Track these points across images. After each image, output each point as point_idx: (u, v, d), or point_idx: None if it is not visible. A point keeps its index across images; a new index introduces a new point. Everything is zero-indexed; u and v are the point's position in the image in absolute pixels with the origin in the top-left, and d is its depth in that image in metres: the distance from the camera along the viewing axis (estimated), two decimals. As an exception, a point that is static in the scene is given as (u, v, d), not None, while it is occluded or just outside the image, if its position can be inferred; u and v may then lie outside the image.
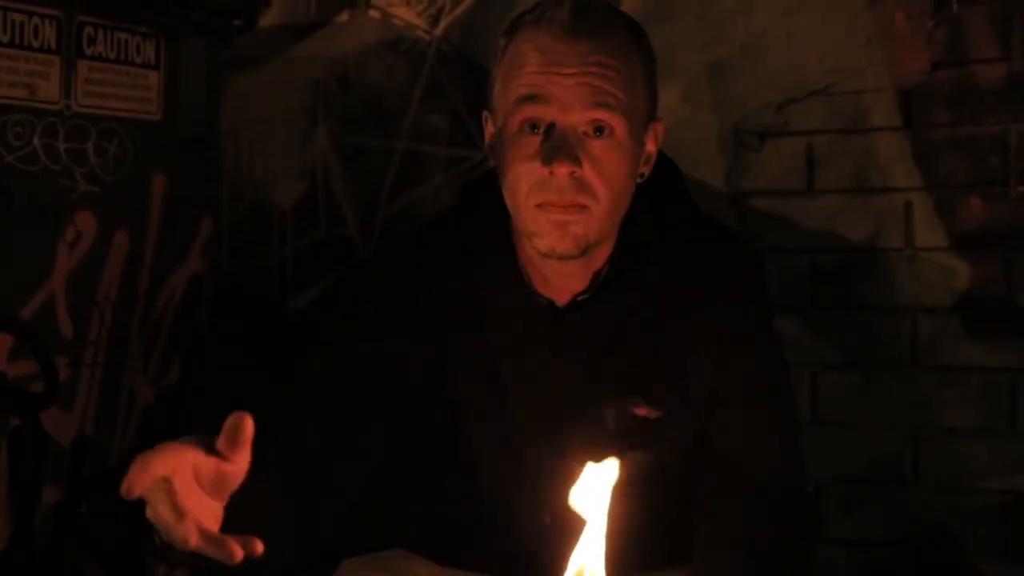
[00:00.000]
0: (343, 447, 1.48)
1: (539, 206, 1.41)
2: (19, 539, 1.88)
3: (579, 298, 1.48)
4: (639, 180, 1.51)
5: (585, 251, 1.44)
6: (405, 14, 2.50)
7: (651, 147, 1.53)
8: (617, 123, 1.43)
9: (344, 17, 2.56)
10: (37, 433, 1.90)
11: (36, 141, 1.89)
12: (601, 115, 1.42)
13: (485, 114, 1.53)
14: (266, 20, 2.49)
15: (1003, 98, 2.06)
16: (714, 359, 1.51)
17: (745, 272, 1.57)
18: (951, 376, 2.11)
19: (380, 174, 2.51)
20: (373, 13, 2.53)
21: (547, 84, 1.42)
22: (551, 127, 1.42)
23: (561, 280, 1.49)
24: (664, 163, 1.61)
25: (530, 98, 1.43)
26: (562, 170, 1.40)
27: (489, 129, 1.52)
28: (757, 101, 2.22)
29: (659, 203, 1.56)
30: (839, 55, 2.16)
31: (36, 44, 1.89)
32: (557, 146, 1.41)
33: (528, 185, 1.43)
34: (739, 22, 2.23)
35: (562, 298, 1.49)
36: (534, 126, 1.44)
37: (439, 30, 2.47)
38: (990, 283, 2.08)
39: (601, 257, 1.51)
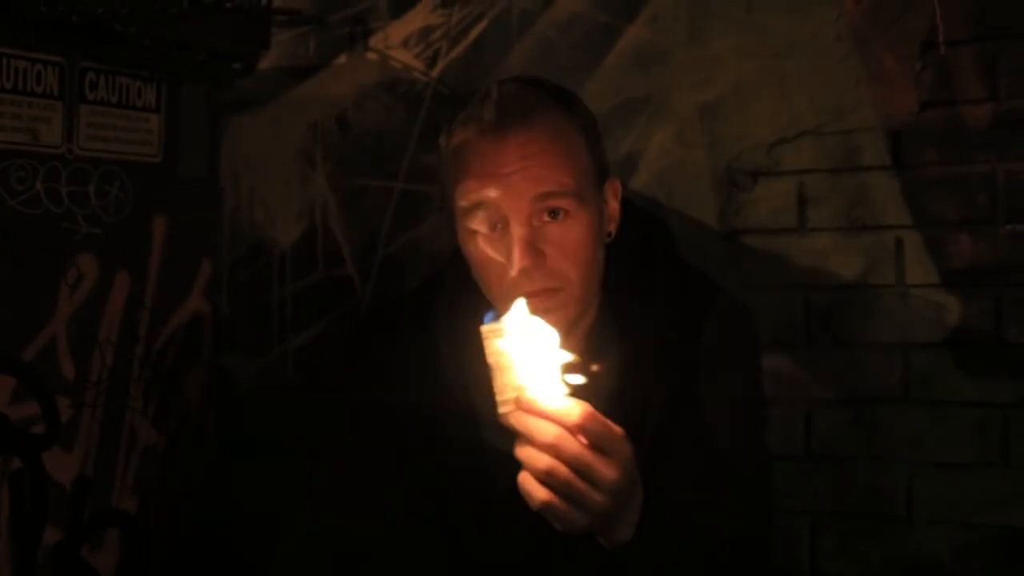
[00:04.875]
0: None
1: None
2: (20, 579, 1.89)
3: None
4: (608, 239, 1.53)
5: (569, 330, 1.45)
6: (403, 56, 2.53)
7: (612, 205, 1.55)
8: (569, 203, 1.44)
9: (342, 60, 2.58)
10: (38, 474, 1.91)
11: (38, 185, 1.91)
12: (550, 203, 1.44)
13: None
14: (265, 63, 2.52)
15: (990, 138, 2.09)
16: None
17: (739, 326, 1.60)
18: (943, 411, 2.12)
19: (378, 214, 2.53)
20: (371, 55, 2.56)
21: (492, 188, 1.43)
22: (508, 223, 1.44)
23: None
24: (649, 219, 1.63)
25: (478, 205, 1.45)
26: (526, 264, 1.41)
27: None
28: (749, 141, 2.25)
29: (642, 263, 1.57)
30: (829, 96, 2.19)
31: (39, 90, 1.91)
32: (517, 243, 1.42)
33: (498, 284, 1.45)
34: (731, 64, 2.26)
35: None
36: (491, 227, 1.46)
37: (436, 71, 2.50)
38: (981, 319, 2.10)
39: (584, 327, 1.53)
